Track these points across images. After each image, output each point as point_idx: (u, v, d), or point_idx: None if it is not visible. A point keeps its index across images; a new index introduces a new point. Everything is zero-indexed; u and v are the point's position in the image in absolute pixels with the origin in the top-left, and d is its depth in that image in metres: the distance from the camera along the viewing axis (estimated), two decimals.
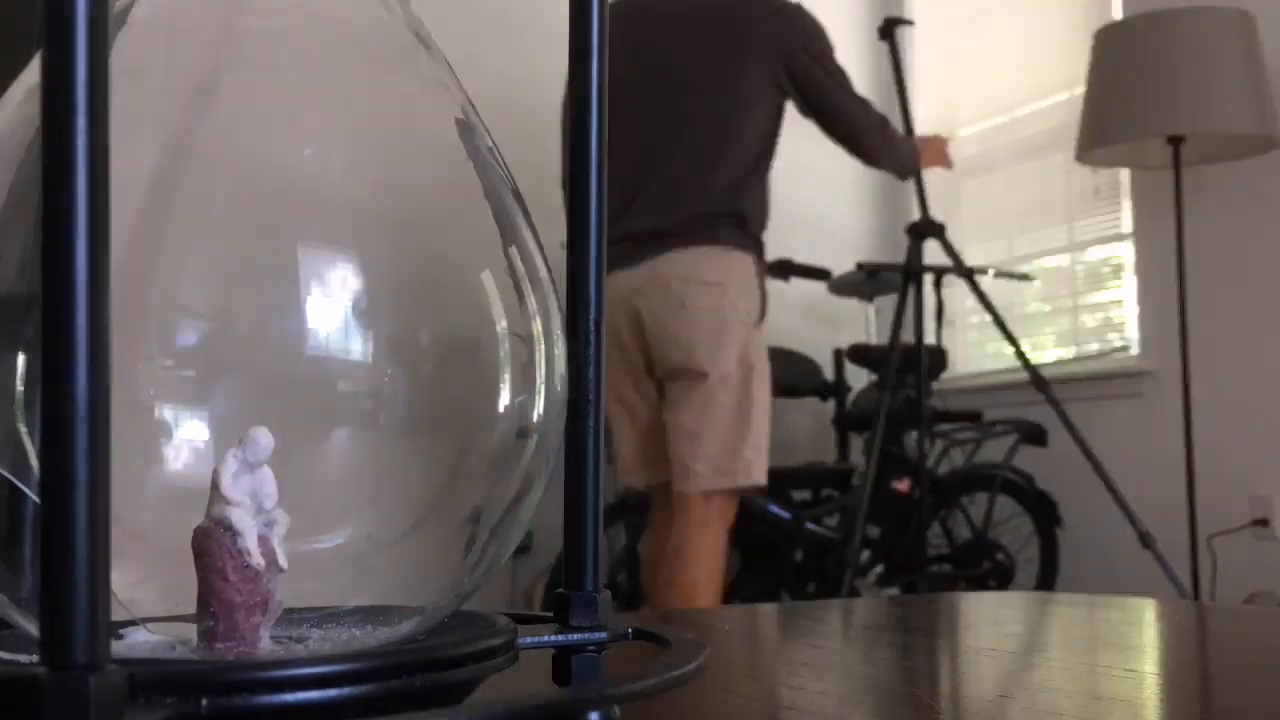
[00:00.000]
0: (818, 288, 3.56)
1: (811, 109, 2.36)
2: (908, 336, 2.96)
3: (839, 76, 2.35)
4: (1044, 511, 3.16)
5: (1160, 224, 2.97)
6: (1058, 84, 3.49)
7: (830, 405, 3.59)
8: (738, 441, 2.26)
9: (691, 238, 2.25)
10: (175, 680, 0.26)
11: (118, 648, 0.31)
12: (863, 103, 2.39)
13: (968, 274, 2.90)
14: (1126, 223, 3.32)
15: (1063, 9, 3.54)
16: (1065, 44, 3.45)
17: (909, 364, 3.15)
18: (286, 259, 0.32)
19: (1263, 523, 2.87)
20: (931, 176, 2.93)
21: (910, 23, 3.09)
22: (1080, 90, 2.90)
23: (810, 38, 2.31)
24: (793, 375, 3.42)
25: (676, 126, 2.26)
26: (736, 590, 3.24)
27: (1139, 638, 0.69)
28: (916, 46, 4.06)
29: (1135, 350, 3.28)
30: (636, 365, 2.32)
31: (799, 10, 2.32)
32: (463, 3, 3.04)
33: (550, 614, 0.37)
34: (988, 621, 0.74)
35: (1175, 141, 2.70)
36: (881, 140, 2.43)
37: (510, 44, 3.14)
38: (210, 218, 0.33)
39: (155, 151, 0.33)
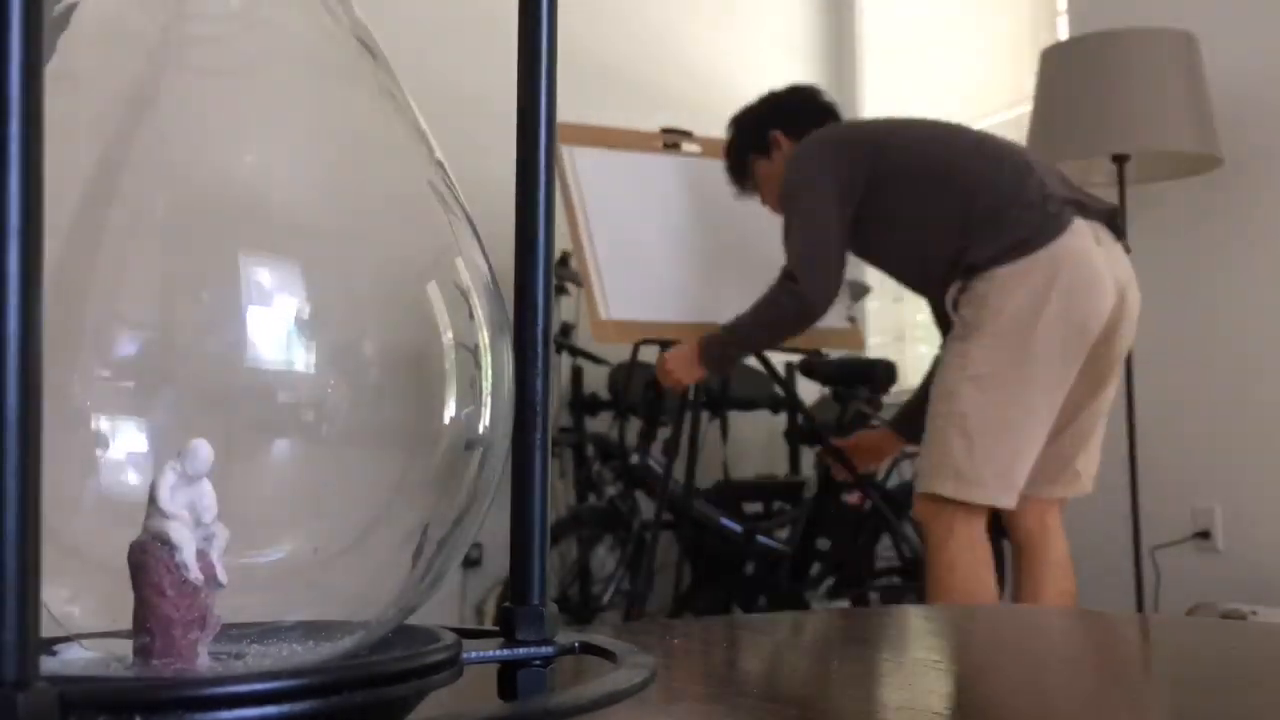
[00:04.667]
0: None
1: None
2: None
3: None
4: (991, 524, 3.19)
5: None
6: (1005, 102, 3.54)
7: (782, 418, 3.60)
8: None
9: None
10: (108, 698, 0.25)
11: (50, 664, 0.30)
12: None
13: None
14: None
15: (1010, 28, 3.60)
16: (1012, 63, 3.50)
17: (858, 378, 3.17)
18: (228, 268, 0.31)
19: (1204, 535, 2.91)
20: None
21: (689, 133, 2.91)
22: (1027, 109, 2.94)
23: None
24: (745, 388, 3.43)
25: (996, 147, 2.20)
26: (687, 603, 3.24)
27: (1084, 649, 0.70)
28: (866, 64, 4.11)
29: None
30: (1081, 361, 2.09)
31: None
32: (411, 13, 3.03)
33: (497, 629, 0.37)
34: (936, 634, 0.75)
35: (1120, 160, 2.74)
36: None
37: (459, 54, 3.13)
38: (150, 226, 0.32)
39: (94, 158, 0.32)
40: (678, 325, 2.61)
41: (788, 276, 2.21)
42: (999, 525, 3.06)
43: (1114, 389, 2.21)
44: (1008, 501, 2.06)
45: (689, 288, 2.68)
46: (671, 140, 2.90)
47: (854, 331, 3.06)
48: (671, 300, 2.65)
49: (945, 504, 2.06)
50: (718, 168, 2.61)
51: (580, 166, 2.66)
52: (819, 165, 2.20)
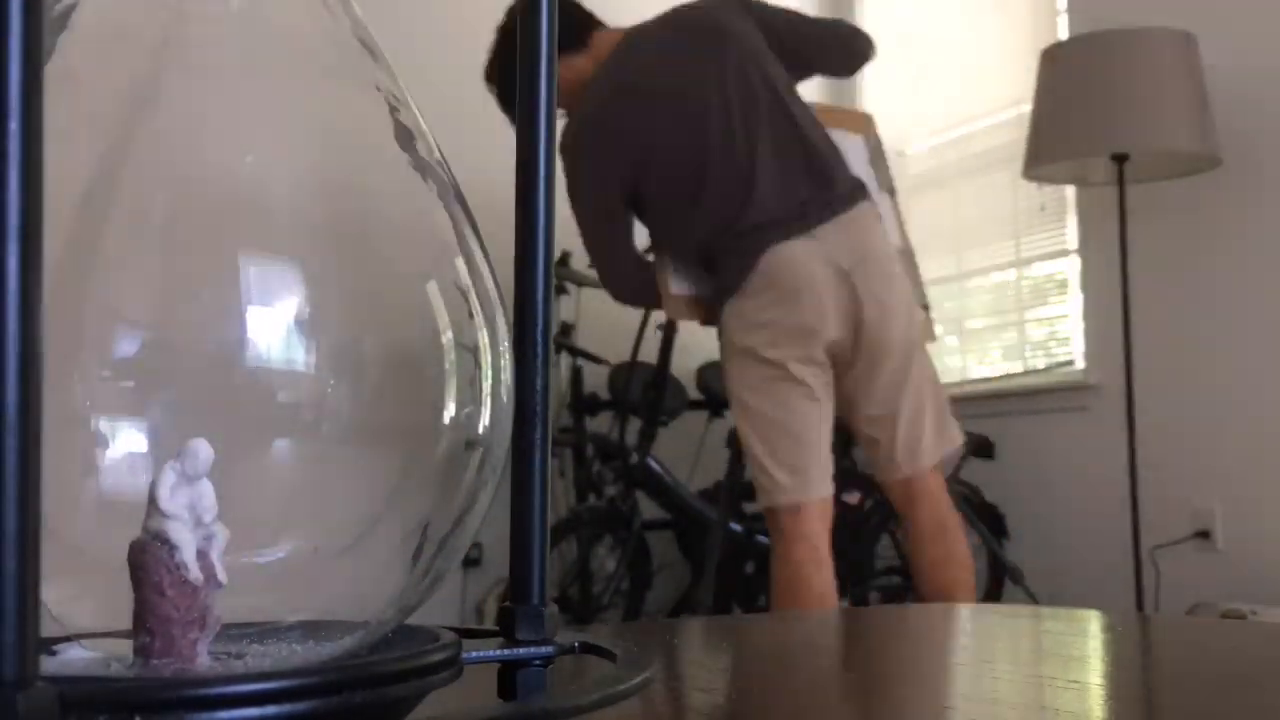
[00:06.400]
0: None
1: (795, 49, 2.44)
2: None
3: (791, 13, 2.51)
4: (990, 523, 3.19)
5: (1105, 240, 3.02)
6: (1005, 102, 3.53)
7: None
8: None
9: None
10: (108, 698, 0.25)
11: (50, 664, 0.30)
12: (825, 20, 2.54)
13: None
14: (1072, 238, 3.37)
15: (1010, 28, 3.60)
16: (1012, 63, 3.50)
17: None
18: (228, 268, 0.31)
19: (1204, 535, 2.91)
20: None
21: None
22: (1027, 108, 2.94)
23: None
24: None
25: (757, 121, 2.25)
26: (687, 603, 3.24)
27: (1083, 649, 0.70)
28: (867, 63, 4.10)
29: (1080, 364, 3.33)
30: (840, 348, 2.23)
31: None
32: (412, 13, 3.03)
33: (497, 629, 0.37)
34: (935, 633, 0.75)
35: (1119, 159, 2.74)
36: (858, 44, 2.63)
37: (460, 55, 3.13)
38: (150, 225, 0.32)
39: (94, 158, 0.32)
40: None
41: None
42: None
43: (893, 366, 2.27)
44: (814, 493, 2.23)
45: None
46: None
47: None
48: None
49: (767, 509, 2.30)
50: None
51: None
52: (583, 177, 2.31)
